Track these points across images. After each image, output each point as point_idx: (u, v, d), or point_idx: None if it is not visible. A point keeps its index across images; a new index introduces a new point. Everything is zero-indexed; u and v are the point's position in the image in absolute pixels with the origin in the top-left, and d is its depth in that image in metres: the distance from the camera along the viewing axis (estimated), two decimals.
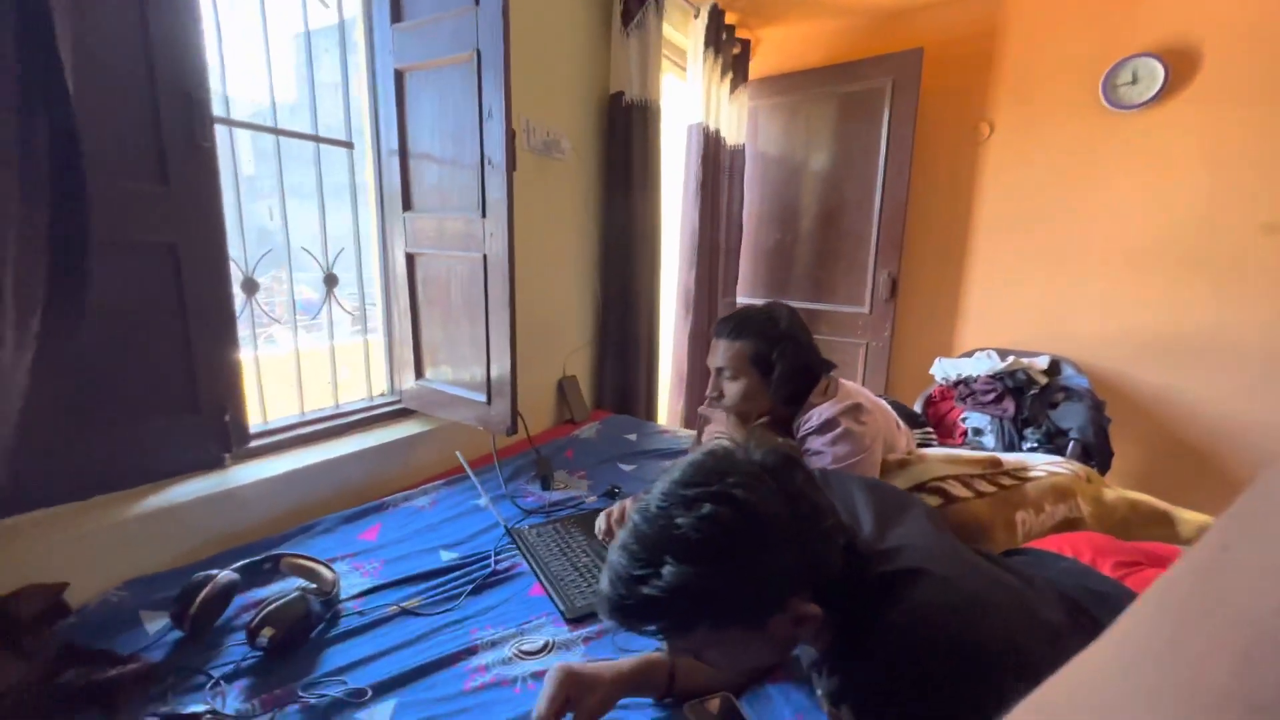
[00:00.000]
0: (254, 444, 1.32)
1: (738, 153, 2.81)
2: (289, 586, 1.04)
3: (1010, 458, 1.28)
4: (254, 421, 1.36)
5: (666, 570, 0.56)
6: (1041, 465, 1.28)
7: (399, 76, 1.42)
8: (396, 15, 1.40)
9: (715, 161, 2.61)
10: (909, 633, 0.58)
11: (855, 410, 1.19)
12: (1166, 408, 2.29)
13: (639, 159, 2.13)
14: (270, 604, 0.93)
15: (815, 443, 1.19)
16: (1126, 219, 2.26)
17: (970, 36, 2.48)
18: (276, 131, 1.34)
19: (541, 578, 1.15)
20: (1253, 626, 0.14)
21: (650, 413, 2.41)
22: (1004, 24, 2.42)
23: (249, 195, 1.40)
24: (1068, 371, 2.31)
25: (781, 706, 0.86)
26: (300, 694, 0.84)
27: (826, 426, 1.18)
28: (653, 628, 0.60)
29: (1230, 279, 2.11)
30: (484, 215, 1.30)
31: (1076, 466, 1.32)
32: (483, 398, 1.41)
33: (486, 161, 1.27)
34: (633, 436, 1.96)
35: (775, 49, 2.94)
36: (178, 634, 0.95)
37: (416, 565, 1.19)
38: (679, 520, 0.57)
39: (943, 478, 1.15)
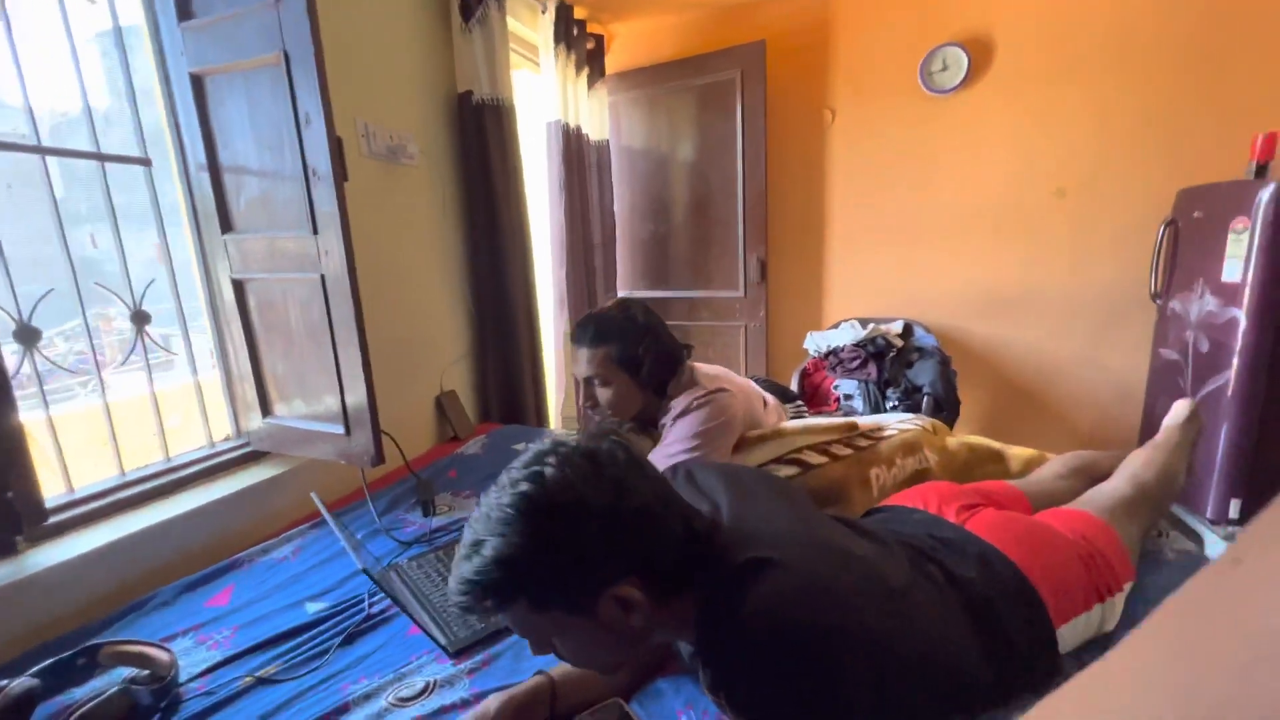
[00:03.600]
0: (56, 519, 1.12)
1: (603, 148, 2.81)
2: (113, 680, 0.89)
3: (867, 420, 1.37)
4: (55, 493, 1.15)
5: (485, 545, 0.60)
6: (894, 424, 1.39)
7: (197, 81, 1.25)
8: (185, 13, 1.23)
9: (579, 158, 2.59)
10: (759, 625, 0.59)
11: (715, 391, 1.23)
12: (999, 355, 2.59)
13: (497, 159, 2.06)
14: (82, 707, 0.79)
15: (674, 431, 1.20)
16: (950, 191, 2.52)
17: (807, 28, 2.63)
18: (44, 150, 1.13)
19: (420, 613, 1.07)
20: (1258, 638, 0.14)
21: (540, 418, 2.36)
22: (835, 16, 2.59)
23: (65, 221, 1.18)
24: (919, 333, 2.54)
25: (672, 699, 0.86)
26: None
27: (685, 412, 1.20)
28: (486, 605, 0.62)
29: (1033, 238, 2.42)
30: (315, 232, 1.18)
31: (925, 421, 1.45)
32: (340, 429, 1.29)
33: (311, 173, 1.15)
34: (521, 446, 1.90)
35: (629, 43, 2.97)
36: None
37: (277, 625, 1.07)
38: (502, 499, 0.61)
39: (800, 449, 1.21)
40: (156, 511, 1.24)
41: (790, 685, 0.58)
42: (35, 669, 0.88)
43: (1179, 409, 1.33)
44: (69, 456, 1.22)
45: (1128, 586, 0.95)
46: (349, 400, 1.26)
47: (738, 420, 1.23)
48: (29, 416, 1.10)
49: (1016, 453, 1.43)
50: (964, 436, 1.46)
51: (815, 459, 1.24)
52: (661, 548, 0.64)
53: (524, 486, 0.61)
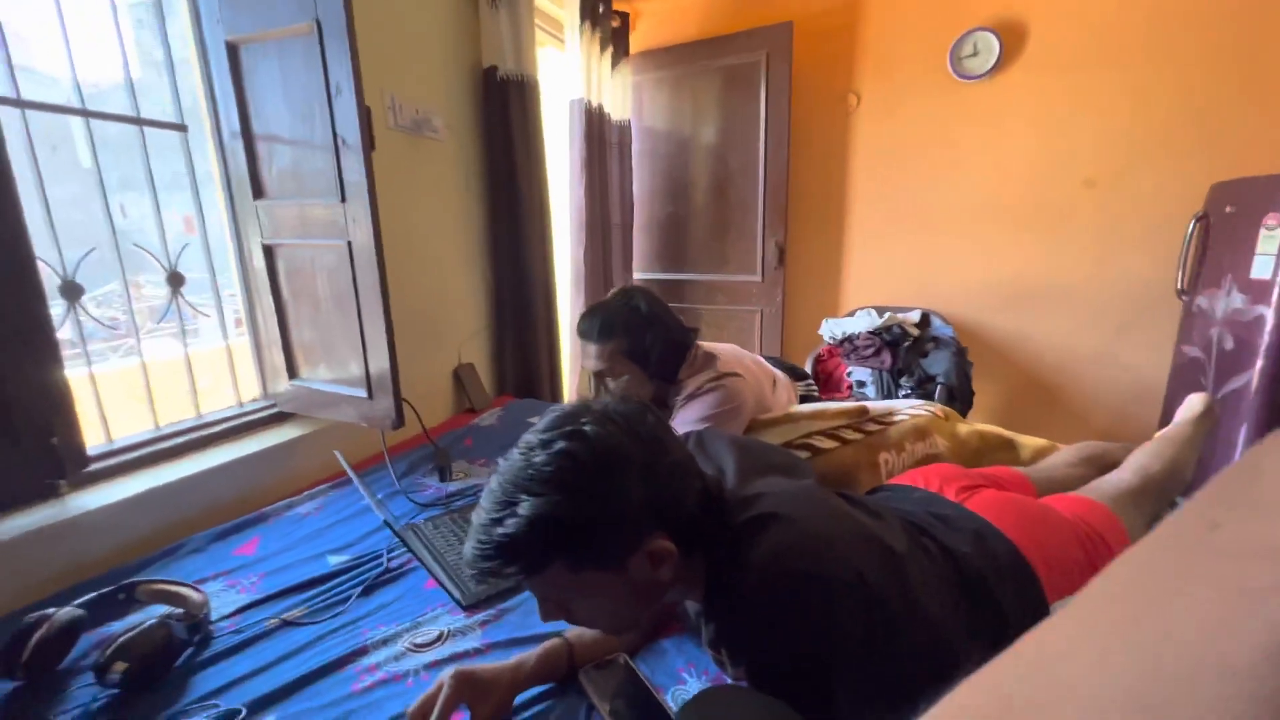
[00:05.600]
0: (97, 466, 1.18)
1: (625, 128, 2.81)
2: (149, 615, 0.95)
3: (878, 405, 1.38)
4: (95, 442, 1.22)
5: (521, 506, 0.58)
6: (906, 409, 1.40)
7: (232, 50, 1.29)
8: None
9: (600, 137, 2.59)
10: (763, 573, 0.62)
11: (725, 376, 1.25)
12: (1017, 349, 2.57)
13: (520, 136, 2.08)
14: (123, 636, 0.85)
15: (683, 414, 1.23)
16: (975, 180, 2.49)
17: (835, 10, 2.60)
18: (85, 114, 1.18)
19: (436, 569, 1.12)
20: (1240, 597, 0.14)
21: (555, 394, 2.40)
22: None
23: (96, 191, 1.23)
24: (936, 323, 2.52)
25: (674, 658, 0.90)
26: None
27: (694, 395, 1.22)
28: (513, 569, 0.61)
29: (1058, 230, 2.38)
30: (343, 200, 1.22)
31: (936, 408, 1.46)
32: (363, 393, 1.34)
33: (340, 142, 1.19)
34: (535, 419, 1.94)
35: (655, 22, 2.95)
36: (12, 684, 0.85)
37: (301, 574, 1.13)
38: (535, 459, 0.60)
39: (810, 434, 1.23)
40: (188, 465, 1.30)
41: (786, 633, 0.60)
42: (80, 601, 0.94)
43: (1194, 402, 1.32)
44: (107, 412, 1.29)
45: None
46: (372, 365, 1.31)
47: (747, 406, 1.26)
48: (71, 372, 1.16)
49: (1028, 442, 1.44)
50: (975, 425, 1.47)
51: (825, 444, 1.26)
52: (687, 502, 0.66)
53: (563, 444, 0.60)
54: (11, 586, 1.01)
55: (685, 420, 1.20)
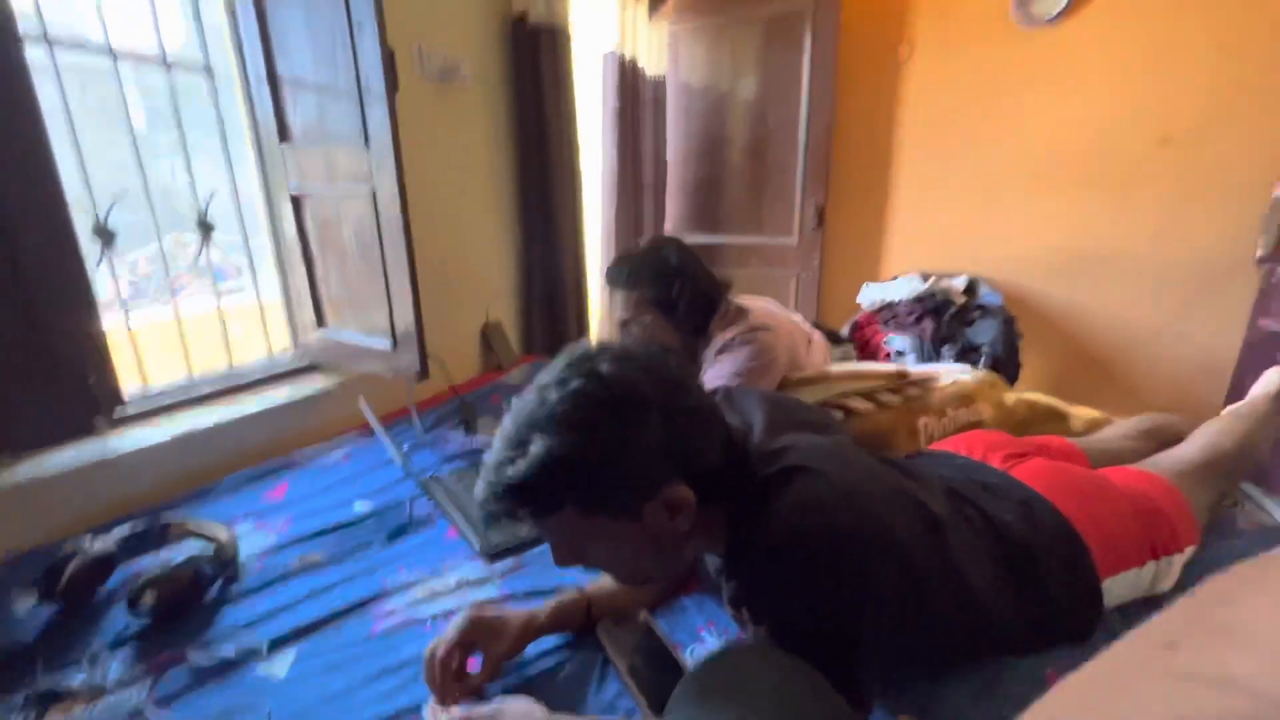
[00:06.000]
0: (134, 410, 1.21)
1: (659, 84, 2.70)
2: (181, 552, 0.98)
3: (918, 369, 1.31)
4: (133, 387, 1.25)
5: (533, 446, 0.55)
6: (948, 374, 1.33)
7: None
8: None
9: (634, 93, 2.50)
10: (787, 528, 0.58)
11: (757, 329, 1.19)
12: (1070, 319, 2.42)
13: (551, 88, 2.01)
14: (152, 572, 0.87)
15: (713, 369, 1.18)
16: (1035, 137, 2.31)
17: None
18: (113, 54, 1.17)
19: (457, 519, 1.12)
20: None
21: None
22: None
23: (142, 145, 1.23)
24: (983, 290, 2.39)
25: (694, 616, 0.88)
26: (189, 656, 0.80)
27: (725, 349, 1.18)
28: (524, 511, 0.59)
29: (1128, 193, 2.20)
30: (367, 145, 1.19)
31: (982, 374, 1.38)
32: (388, 344, 1.33)
33: (363, 83, 1.15)
34: None
35: None
36: (50, 612, 0.88)
37: (327, 519, 1.14)
38: (548, 398, 0.57)
39: (845, 395, 1.17)
40: (221, 412, 1.33)
41: (809, 592, 0.57)
42: (115, 535, 0.97)
43: (1273, 376, 1.21)
44: (146, 362, 1.31)
45: (1189, 550, 0.89)
46: (397, 316, 1.30)
47: (780, 362, 1.20)
48: (108, 321, 1.18)
49: (1080, 413, 1.35)
50: (1023, 393, 1.38)
51: (861, 405, 1.20)
52: (708, 451, 0.62)
53: (578, 383, 0.56)
54: (55, 519, 1.04)
55: (716, 375, 1.16)
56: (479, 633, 0.73)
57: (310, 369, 1.56)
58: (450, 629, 0.73)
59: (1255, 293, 2.00)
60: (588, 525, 0.60)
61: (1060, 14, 2.16)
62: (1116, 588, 0.81)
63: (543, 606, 0.81)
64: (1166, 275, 2.21)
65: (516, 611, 0.78)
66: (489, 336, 2.03)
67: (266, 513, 1.16)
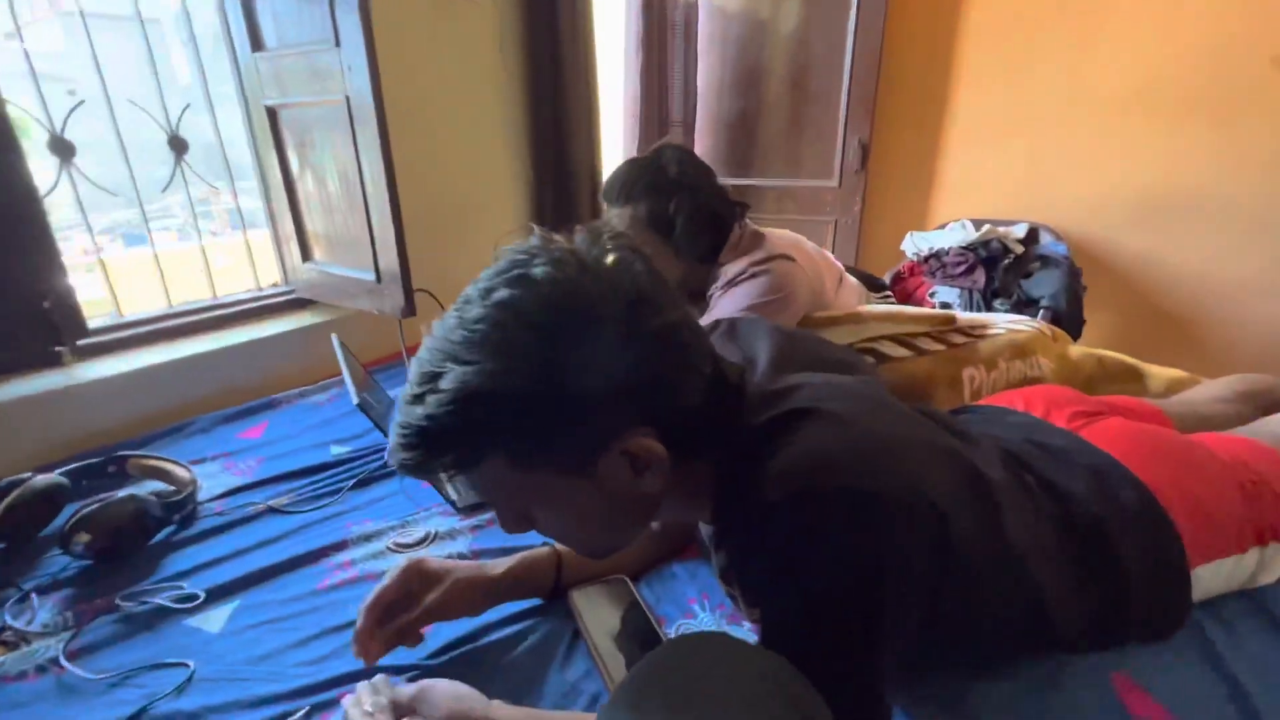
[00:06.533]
0: (103, 339, 1.14)
1: (691, 7, 2.46)
2: (142, 490, 0.90)
3: (969, 315, 1.13)
4: (104, 315, 1.17)
5: (444, 379, 0.42)
6: (1004, 323, 1.14)
7: None
8: None
9: (661, 16, 2.28)
10: (788, 485, 0.44)
11: (774, 258, 1.03)
12: (1146, 273, 2.14)
13: (566, 10, 1.82)
14: (90, 506, 0.79)
15: (720, 305, 1.03)
16: (1124, 60, 2.00)
17: None
18: None
19: None
20: None
21: None
22: None
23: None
24: (1046, 239, 2.14)
25: (686, 585, 0.76)
26: (120, 602, 0.72)
27: (734, 282, 1.01)
28: (442, 461, 0.45)
29: (1234, 124, 1.89)
30: (338, 43, 1.05)
31: (1043, 325, 1.19)
32: (372, 276, 1.22)
33: None
34: None
35: None
36: None
37: (300, 461, 1.06)
38: (467, 315, 0.43)
39: (876, 339, 1.00)
40: (201, 343, 1.25)
41: (815, 567, 0.43)
42: (64, 469, 0.90)
43: None
44: (124, 294, 1.24)
45: None
46: (379, 244, 1.18)
47: (800, 296, 1.04)
48: (77, 244, 1.09)
49: (1157, 371, 1.15)
50: (1091, 349, 1.19)
51: (896, 351, 1.03)
52: (687, 388, 0.47)
53: (502, 293, 0.42)
54: (7, 454, 0.98)
55: (723, 311, 1.00)
56: (421, 581, 0.63)
57: (300, 304, 1.47)
58: (387, 576, 0.62)
59: None
60: (525, 482, 0.46)
61: None
62: (1208, 577, 0.66)
63: (503, 561, 0.69)
64: (1266, 223, 1.91)
65: (469, 563, 0.67)
66: None
67: (239, 452, 1.09)
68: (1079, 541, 0.60)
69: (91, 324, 1.15)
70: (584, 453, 0.45)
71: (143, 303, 1.31)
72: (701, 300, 1.12)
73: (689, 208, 1.03)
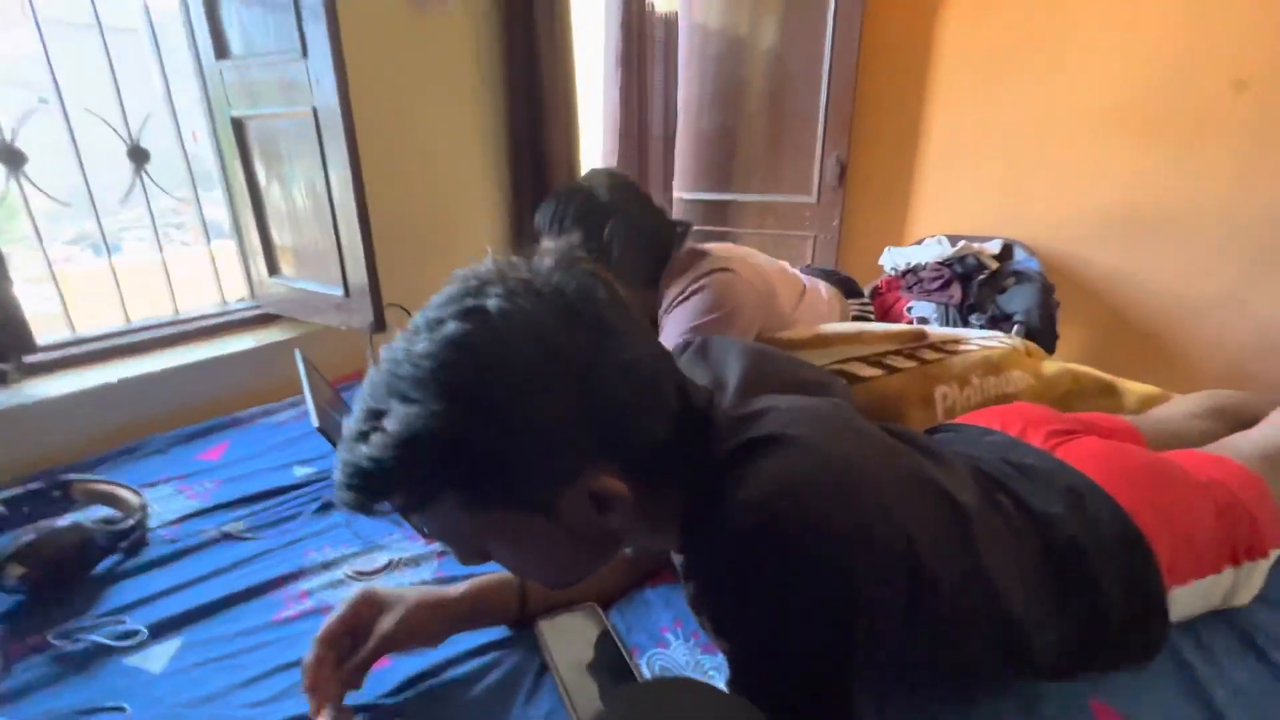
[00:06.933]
0: (54, 355, 1.09)
1: (671, 23, 2.48)
2: (89, 517, 0.86)
3: (941, 331, 1.13)
4: (57, 333, 1.12)
5: (389, 418, 0.39)
6: (976, 339, 1.14)
7: None
8: None
9: (641, 32, 2.28)
10: (753, 514, 0.42)
11: (713, 271, 1.01)
12: (1116, 288, 2.19)
13: (545, 21, 1.81)
14: (26, 535, 0.74)
15: (667, 327, 1.01)
16: (1090, 82, 2.05)
17: None
18: None
19: None
20: None
21: None
22: None
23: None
24: (1019, 255, 2.17)
25: (660, 612, 0.73)
26: (53, 641, 0.68)
27: (676, 301, 1.00)
28: (390, 503, 0.43)
29: (1195, 144, 1.94)
30: (305, 53, 1.02)
31: (1016, 341, 1.20)
32: (340, 291, 1.19)
33: None
34: None
35: None
36: None
37: (260, 484, 1.01)
38: (414, 349, 0.40)
39: (845, 360, 0.99)
40: (160, 360, 1.21)
41: (782, 600, 0.41)
42: (2, 495, 0.85)
43: None
44: (84, 309, 1.19)
45: (1274, 554, 0.72)
46: (347, 258, 1.15)
47: (745, 308, 1.01)
48: (27, 258, 1.05)
49: (1133, 387, 1.16)
50: (1067, 364, 1.20)
51: (866, 371, 1.02)
52: (652, 423, 0.45)
53: (451, 327, 0.40)
54: None
55: (668, 336, 0.98)
56: (372, 610, 0.59)
57: (266, 320, 1.43)
58: (337, 608, 0.59)
59: None
60: (479, 522, 0.44)
61: None
62: (1185, 599, 0.65)
63: (458, 585, 0.65)
64: (1231, 239, 1.97)
65: (424, 589, 0.64)
66: None
67: (195, 475, 1.04)
68: (1056, 564, 0.59)
69: (44, 340, 1.09)
70: (543, 493, 0.43)
71: (108, 316, 1.26)
72: (653, 327, 1.09)
73: (624, 231, 1.00)
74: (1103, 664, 0.62)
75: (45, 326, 1.15)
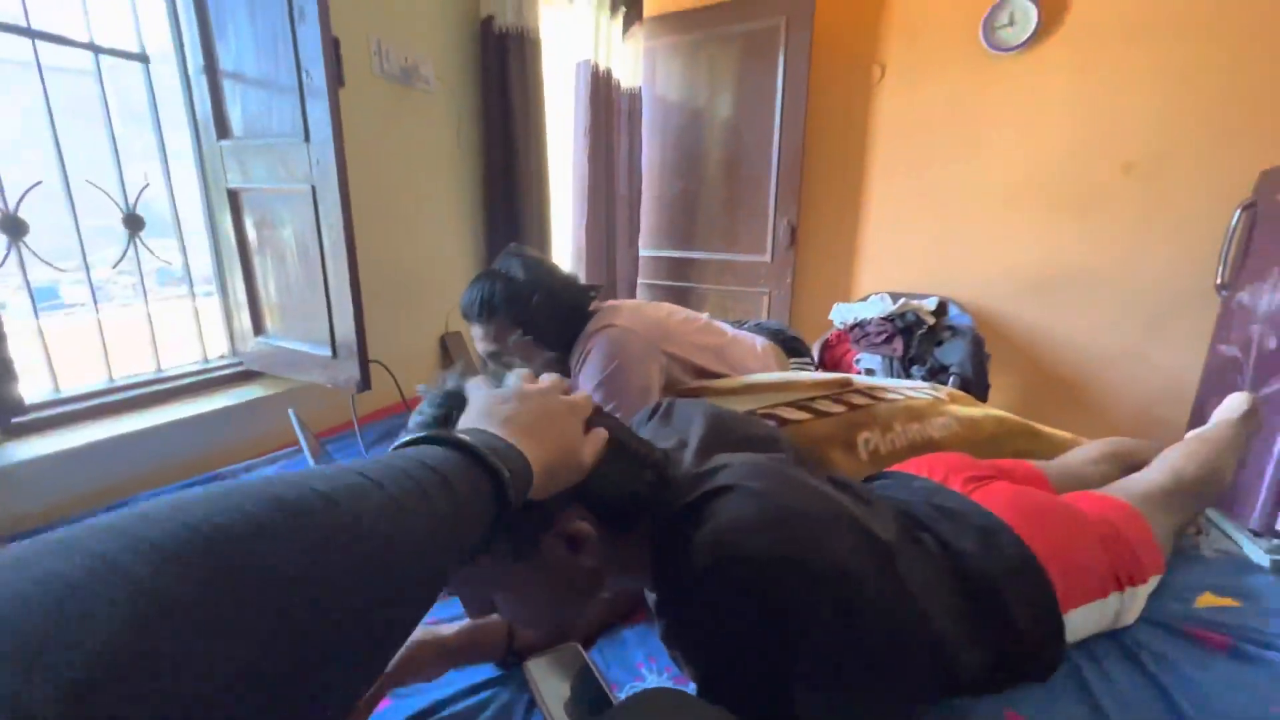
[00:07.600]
0: (38, 415, 1.11)
1: (635, 96, 2.69)
2: None
3: (867, 379, 1.26)
4: (40, 391, 1.15)
5: None
6: (903, 388, 1.28)
7: None
8: None
9: (607, 104, 2.47)
10: (713, 555, 0.52)
11: (597, 332, 1.13)
12: (1038, 341, 2.42)
13: (519, 95, 1.97)
14: None
15: (580, 381, 1.11)
16: (1004, 160, 2.33)
17: None
18: (32, 34, 1.09)
19: None
20: None
21: None
22: None
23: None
24: (953, 311, 2.39)
25: (634, 649, 0.81)
26: None
27: (581, 361, 1.11)
28: None
29: (1093, 217, 2.22)
30: (307, 139, 1.12)
31: (942, 391, 1.33)
32: (328, 352, 1.25)
33: (304, 75, 1.09)
34: None
35: None
36: None
37: None
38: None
39: (773, 406, 1.08)
40: (144, 418, 1.23)
41: (736, 624, 0.51)
42: None
43: (1235, 401, 1.20)
44: (65, 365, 1.21)
45: (1154, 580, 0.85)
46: (337, 322, 1.22)
47: (635, 357, 1.10)
48: (17, 318, 1.08)
49: (1050, 433, 1.32)
50: (990, 409, 1.35)
51: (793, 415, 1.12)
52: (617, 478, 0.56)
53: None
54: None
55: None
56: None
57: (248, 376, 1.47)
58: None
59: (1215, 318, 2.02)
60: (482, 571, 0.53)
61: (1026, 42, 2.20)
62: (1079, 620, 0.77)
63: (449, 626, 0.72)
64: (1130, 299, 2.23)
65: (422, 628, 0.70)
66: (449, 346, 1.95)
67: None
68: (971, 594, 0.70)
69: (31, 399, 1.12)
70: (526, 539, 0.52)
71: (92, 368, 1.28)
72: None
73: (547, 304, 1.12)
74: (1015, 679, 0.72)
75: (27, 380, 1.17)
